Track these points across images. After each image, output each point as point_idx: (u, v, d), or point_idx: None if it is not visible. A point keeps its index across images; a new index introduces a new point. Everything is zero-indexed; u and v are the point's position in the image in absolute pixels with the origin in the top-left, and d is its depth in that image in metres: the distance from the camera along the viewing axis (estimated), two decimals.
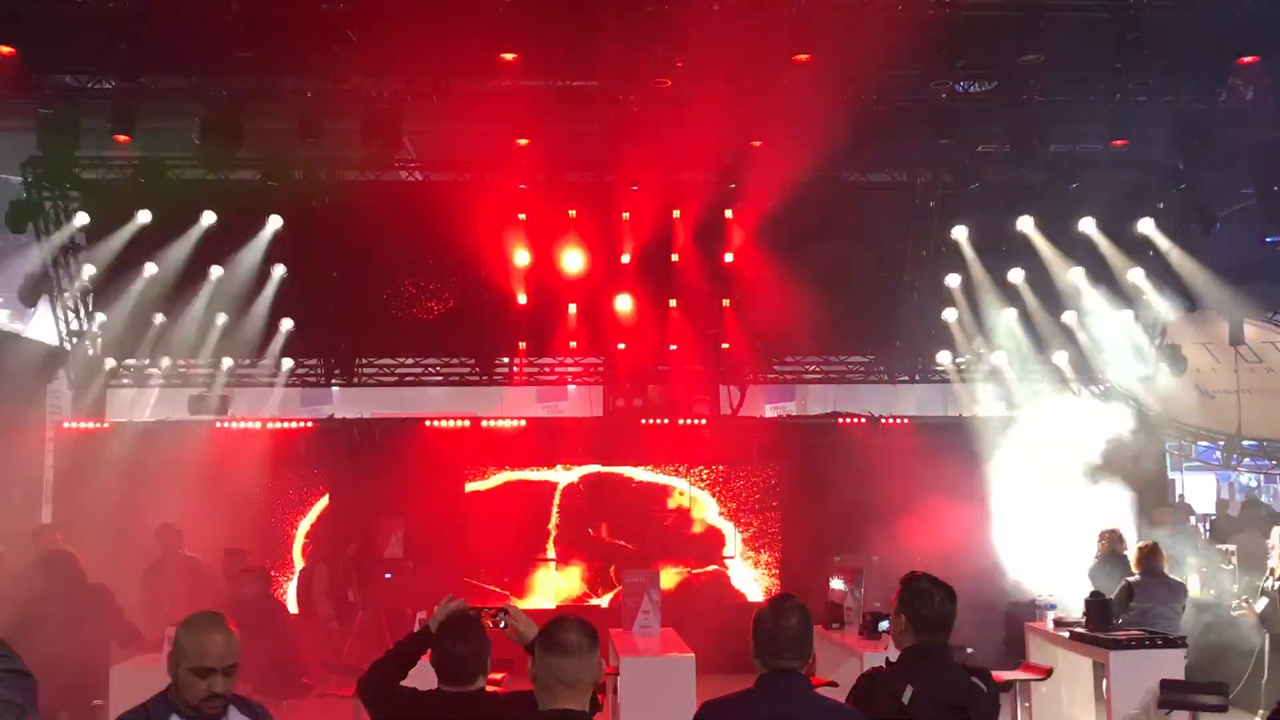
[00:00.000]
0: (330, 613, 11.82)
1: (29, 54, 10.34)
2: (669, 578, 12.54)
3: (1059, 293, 13.13)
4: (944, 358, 13.76)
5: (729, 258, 12.61)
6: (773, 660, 3.65)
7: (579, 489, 13.14)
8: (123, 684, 7.46)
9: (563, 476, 13.17)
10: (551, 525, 13.15)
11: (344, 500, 12.88)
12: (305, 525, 13.01)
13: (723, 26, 9.78)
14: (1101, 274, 13.05)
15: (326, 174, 12.27)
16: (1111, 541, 9.88)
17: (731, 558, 12.99)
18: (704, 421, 13.37)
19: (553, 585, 13.10)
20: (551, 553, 13.11)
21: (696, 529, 13.13)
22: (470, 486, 13.03)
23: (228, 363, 13.12)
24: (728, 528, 13.12)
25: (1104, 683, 8.00)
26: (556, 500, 13.16)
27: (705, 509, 13.16)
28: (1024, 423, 13.36)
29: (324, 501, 13.07)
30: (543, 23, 9.69)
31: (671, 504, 13.13)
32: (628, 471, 13.13)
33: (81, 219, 12.28)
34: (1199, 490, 21.15)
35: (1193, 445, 18.09)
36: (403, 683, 4.35)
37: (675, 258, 12.65)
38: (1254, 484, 21.64)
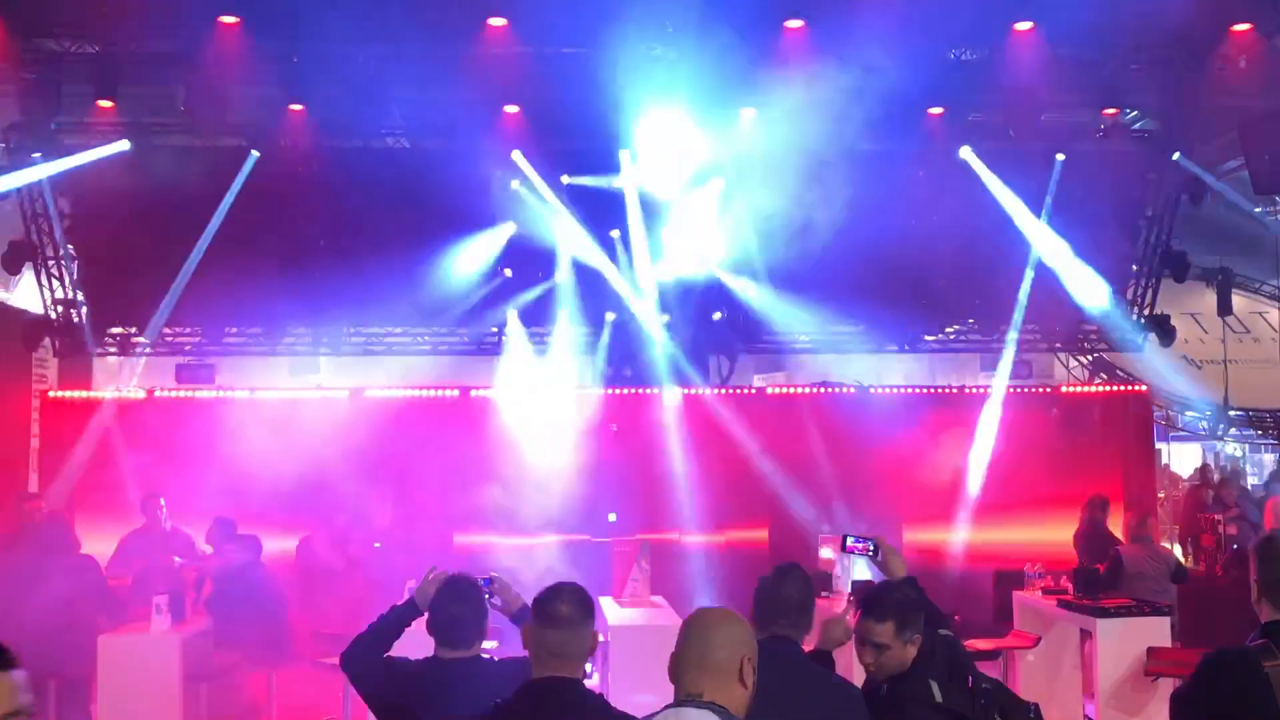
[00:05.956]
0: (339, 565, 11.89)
1: (11, 18, 10.19)
2: None
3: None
4: (933, 327, 13.74)
5: (722, 227, 12.53)
6: (769, 626, 3.64)
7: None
8: (110, 655, 7.23)
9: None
10: None
11: (333, 469, 12.84)
12: (291, 494, 12.96)
13: None
14: (1091, 243, 13.01)
15: (312, 140, 12.13)
16: (1094, 508, 9.91)
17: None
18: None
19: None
20: None
21: None
22: None
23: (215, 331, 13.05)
24: None
25: (1091, 651, 8.04)
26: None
27: None
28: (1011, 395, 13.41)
29: (309, 470, 13.01)
30: None
31: None
32: None
33: (64, 186, 12.13)
34: (1186, 461, 21.26)
35: (1179, 415, 18.18)
36: (389, 654, 4.31)
37: (668, 227, 12.56)
38: (1239, 454, 21.75)
